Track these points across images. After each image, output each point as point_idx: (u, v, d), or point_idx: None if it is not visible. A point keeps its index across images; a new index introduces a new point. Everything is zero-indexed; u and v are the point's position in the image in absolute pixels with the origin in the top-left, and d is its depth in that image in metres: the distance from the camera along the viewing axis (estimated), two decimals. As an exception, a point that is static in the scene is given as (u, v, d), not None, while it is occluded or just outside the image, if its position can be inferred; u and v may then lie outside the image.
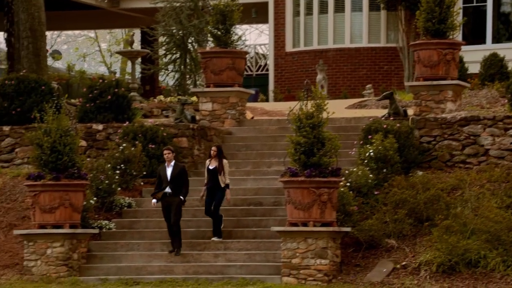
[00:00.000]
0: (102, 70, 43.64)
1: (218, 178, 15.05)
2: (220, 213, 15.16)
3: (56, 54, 37.64)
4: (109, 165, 16.44)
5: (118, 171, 16.41)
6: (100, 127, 17.81)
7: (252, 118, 19.72)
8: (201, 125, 18.31)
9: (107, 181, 16.15)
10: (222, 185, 15.05)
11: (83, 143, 17.33)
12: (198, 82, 26.18)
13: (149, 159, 16.93)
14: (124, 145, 16.76)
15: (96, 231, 15.53)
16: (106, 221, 15.85)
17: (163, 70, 26.86)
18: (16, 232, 15.25)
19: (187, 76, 25.68)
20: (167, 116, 20.84)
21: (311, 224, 14.11)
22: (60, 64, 39.79)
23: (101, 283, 14.41)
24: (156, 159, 16.96)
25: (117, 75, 38.21)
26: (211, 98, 18.92)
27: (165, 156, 15.02)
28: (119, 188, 16.37)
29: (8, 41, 24.36)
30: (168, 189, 14.75)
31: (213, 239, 15.07)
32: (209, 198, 15.08)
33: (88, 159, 16.68)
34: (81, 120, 18.12)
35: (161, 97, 22.75)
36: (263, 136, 18.44)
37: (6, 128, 17.92)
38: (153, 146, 17.03)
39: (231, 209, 16.01)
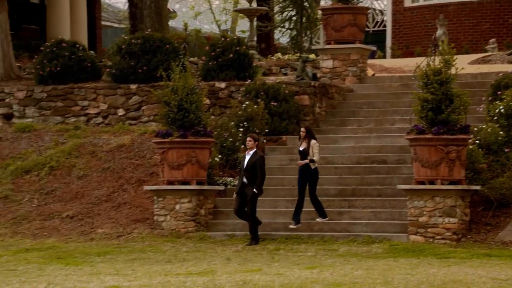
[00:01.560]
0: (215, 28, 43.95)
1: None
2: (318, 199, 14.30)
3: (172, 13, 38.17)
4: (232, 123, 16.64)
5: (241, 129, 16.59)
6: (223, 85, 18.01)
7: (373, 75, 19.47)
8: (322, 82, 18.23)
9: (231, 139, 16.36)
10: (312, 167, 14.27)
11: (207, 101, 17.57)
12: (313, 40, 25.99)
13: (271, 116, 17.02)
14: (246, 103, 16.90)
15: (222, 187, 15.80)
16: (231, 178, 16.10)
17: (279, 28, 26.79)
18: (146, 188, 15.70)
19: (303, 34, 25.51)
20: (285, 74, 20.85)
21: (439, 182, 13.88)
22: (173, 23, 40.29)
23: (228, 238, 14.68)
24: (278, 117, 17.05)
25: (229, 33, 38.37)
26: (332, 55, 18.78)
27: (246, 143, 14.27)
28: (242, 146, 16.56)
29: (130, 0, 24.81)
30: (244, 179, 13.98)
31: (317, 219, 14.45)
32: (300, 181, 14.30)
33: (212, 117, 16.92)
34: (204, 78, 18.36)
35: (279, 55, 22.75)
36: (385, 93, 18.21)
37: (133, 86, 18.37)
38: (275, 103, 17.10)
39: (354, 167, 15.94)
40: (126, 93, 18.44)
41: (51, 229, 15.45)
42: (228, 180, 16.05)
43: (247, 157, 14.00)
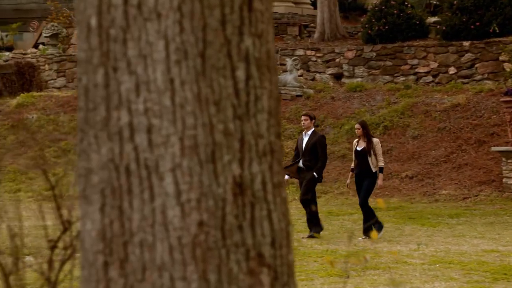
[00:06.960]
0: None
1: (368, 162, 11.33)
2: (370, 207, 11.34)
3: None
4: None
5: None
6: None
7: None
8: None
9: None
10: (373, 170, 11.34)
11: (549, 56, 16.30)
12: None
13: None
14: None
15: None
16: None
17: None
18: (493, 149, 14.88)
19: None
20: None
21: None
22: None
23: None
24: None
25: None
26: None
27: (302, 123, 11.82)
28: None
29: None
30: (300, 163, 11.49)
31: (359, 238, 11.18)
32: (359, 187, 11.50)
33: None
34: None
35: None
36: None
37: (466, 43, 17.53)
38: None
39: None
40: (458, 50, 17.63)
41: (392, 188, 15.20)
42: None
43: (305, 138, 11.51)
